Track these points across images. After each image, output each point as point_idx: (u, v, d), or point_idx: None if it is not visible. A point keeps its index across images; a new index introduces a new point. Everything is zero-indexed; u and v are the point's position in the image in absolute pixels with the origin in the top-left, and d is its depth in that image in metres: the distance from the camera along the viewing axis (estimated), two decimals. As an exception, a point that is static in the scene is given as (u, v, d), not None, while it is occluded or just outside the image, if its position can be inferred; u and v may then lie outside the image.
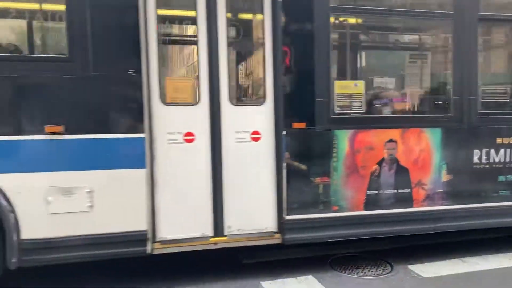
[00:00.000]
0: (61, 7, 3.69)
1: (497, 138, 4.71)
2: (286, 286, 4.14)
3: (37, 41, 4.06)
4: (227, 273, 4.41)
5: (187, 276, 4.33)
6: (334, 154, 4.34)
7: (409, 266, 4.61)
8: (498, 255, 4.93)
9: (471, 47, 4.58)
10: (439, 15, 4.62)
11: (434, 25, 5.00)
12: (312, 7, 4.20)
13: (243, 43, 4.43)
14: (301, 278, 4.30)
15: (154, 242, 3.99)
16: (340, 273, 4.45)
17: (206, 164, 4.10)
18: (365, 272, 4.49)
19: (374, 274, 4.46)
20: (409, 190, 4.53)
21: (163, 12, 3.91)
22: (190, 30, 4.25)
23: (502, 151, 4.73)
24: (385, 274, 4.45)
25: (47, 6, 3.90)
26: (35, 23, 4.01)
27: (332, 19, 4.30)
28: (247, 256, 4.75)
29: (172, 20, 4.32)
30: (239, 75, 4.47)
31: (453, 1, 4.57)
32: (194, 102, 4.07)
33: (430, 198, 4.58)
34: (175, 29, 4.35)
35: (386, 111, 4.63)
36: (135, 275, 4.40)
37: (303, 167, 4.27)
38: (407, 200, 4.53)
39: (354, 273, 4.45)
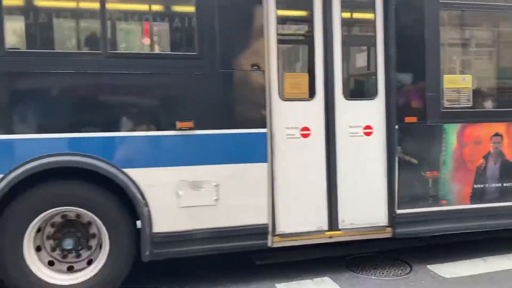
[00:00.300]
0: (191, 9, 3.80)
1: None
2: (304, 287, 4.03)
3: (169, 40, 4.16)
4: (240, 275, 4.24)
5: (200, 277, 4.22)
6: (443, 148, 4.37)
7: (428, 266, 4.44)
8: None
9: None
10: None
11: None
12: (423, 3, 4.25)
13: (355, 40, 4.48)
14: (317, 280, 4.15)
15: (274, 235, 4.06)
16: (357, 274, 4.28)
17: (321, 159, 4.17)
18: (383, 273, 4.32)
19: (392, 274, 4.30)
20: (514, 184, 4.54)
21: (281, 12, 3.99)
22: (305, 28, 4.30)
23: None
24: (404, 274, 4.29)
25: (178, 8, 4.00)
26: (167, 24, 4.11)
27: (441, 14, 4.33)
28: (260, 257, 4.55)
29: (289, 19, 4.39)
30: (351, 71, 4.52)
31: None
32: (310, 97, 4.14)
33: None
34: (292, 28, 4.42)
35: (492, 105, 4.65)
36: (152, 274, 4.30)
37: (414, 161, 4.31)
38: (512, 194, 4.54)
39: (371, 274, 4.28)
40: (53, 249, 3.75)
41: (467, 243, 4.96)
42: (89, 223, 3.80)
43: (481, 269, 4.40)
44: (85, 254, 3.82)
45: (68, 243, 3.73)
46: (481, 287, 4.05)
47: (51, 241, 3.75)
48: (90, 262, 3.80)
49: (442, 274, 4.28)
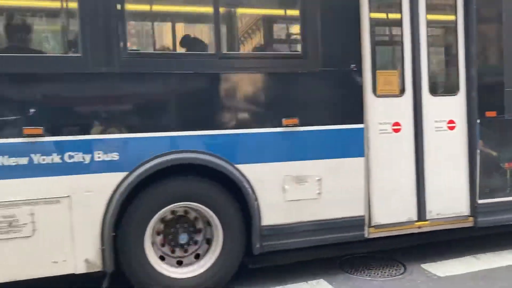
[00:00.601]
0: (296, 13, 3.96)
1: None
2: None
3: (275, 41, 4.31)
4: (235, 279, 4.01)
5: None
6: (518, 140, 4.60)
7: (423, 266, 4.41)
8: (509, 250, 4.78)
9: None
10: None
11: None
12: (501, 3, 4.47)
13: (439, 39, 4.68)
14: (312, 282, 4.08)
15: (369, 226, 4.23)
16: (352, 275, 4.22)
17: (410, 152, 4.35)
18: (377, 274, 4.26)
19: (387, 275, 4.25)
20: None
21: (374, 15, 4.17)
22: (395, 30, 4.49)
23: None
24: (399, 274, 4.25)
25: (284, 13, 4.16)
26: (274, 26, 4.26)
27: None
28: (252, 261, 4.27)
29: (380, 22, 4.56)
30: (435, 69, 4.72)
31: None
32: (400, 94, 4.33)
33: None
34: (383, 30, 4.60)
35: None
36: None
37: (494, 153, 4.53)
38: None
39: (366, 275, 4.23)
40: (163, 245, 3.87)
41: (456, 242, 4.97)
42: (196, 219, 3.93)
43: (474, 267, 4.40)
44: (191, 249, 3.94)
45: (183, 238, 3.86)
46: (477, 285, 4.05)
47: (161, 237, 3.86)
48: (197, 257, 3.93)
49: (436, 273, 4.26)
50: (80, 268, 3.51)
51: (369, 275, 4.22)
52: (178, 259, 3.90)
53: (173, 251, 3.89)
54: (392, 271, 4.34)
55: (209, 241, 3.93)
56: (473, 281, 4.11)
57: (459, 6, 4.44)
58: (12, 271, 3.38)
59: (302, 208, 3.98)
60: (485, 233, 4.99)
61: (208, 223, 3.91)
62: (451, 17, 4.48)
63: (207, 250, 3.91)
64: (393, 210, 4.30)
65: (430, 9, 4.37)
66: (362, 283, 4.07)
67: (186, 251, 3.93)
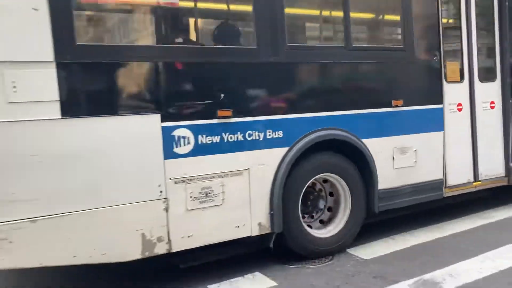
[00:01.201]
0: (397, 17, 4.83)
1: None
2: (237, 286, 3.94)
3: (384, 36, 5.09)
4: (168, 281, 4.09)
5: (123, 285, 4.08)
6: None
7: (348, 250, 4.59)
8: (422, 229, 5.17)
9: None
10: None
11: None
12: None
13: (483, 39, 5.76)
14: (249, 276, 4.10)
15: (445, 187, 5.24)
16: (286, 265, 4.29)
17: (468, 127, 5.44)
18: (309, 262, 4.36)
19: (318, 262, 4.36)
20: None
21: (444, 20, 5.16)
22: (455, 32, 5.51)
23: None
24: (329, 261, 4.39)
25: (390, 17, 4.97)
26: (383, 26, 5.04)
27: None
28: (183, 261, 4.27)
29: (448, 26, 5.51)
30: (480, 60, 5.82)
31: None
32: (460, 80, 5.38)
33: None
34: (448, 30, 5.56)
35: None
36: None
37: (522, 126, 5.79)
38: None
39: (299, 264, 4.31)
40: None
41: (372, 225, 5.19)
42: (320, 190, 4.62)
43: (394, 247, 4.68)
44: (316, 215, 4.64)
45: (322, 203, 4.55)
46: (401, 263, 4.26)
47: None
48: (321, 222, 4.63)
49: (362, 256, 4.47)
50: (254, 231, 4.07)
51: (301, 264, 4.31)
52: (307, 223, 4.57)
53: (303, 217, 4.54)
54: (322, 257, 4.44)
55: (330, 209, 4.65)
56: (396, 260, 4.35)
57: (495, 13, 5.60)
58: (206, 236, 3.85)
59: (404, 174, 4.88)
60: (395, 216, 5.43)
61: (330, 194, 4.63)
62: (490, 23, 5.63)
63: (329, 217, 4.62)
64: (458, 174, 5.36)
65: (478, 16, 5.48)
66: (296, 272, 4.17)
67: (312, 217, 4.63)
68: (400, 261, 4.33)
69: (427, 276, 3.93)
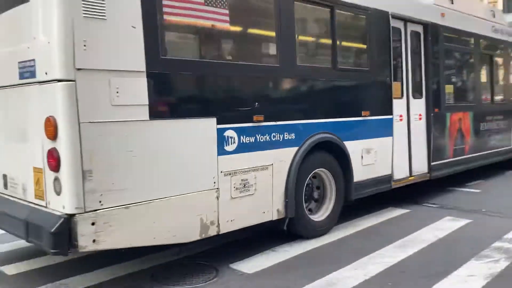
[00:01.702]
0: (365, 46, 6.07)
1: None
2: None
3: (355, 60, 6.22)
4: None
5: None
6: (444, 128, 7.62)
7: (231, 265, 4.52)
8: (297, 240, 5.26)
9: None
10: None
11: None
12: (442, 53, 7.41)
13: (415, 66, 7.25)
14: None
15: (392, 181, 6.59)
16: (167, 285, 4.10)
17: (406, 133, 6.90)
18: (192, 280, 4.19)
19: (202, 280, 4.20)
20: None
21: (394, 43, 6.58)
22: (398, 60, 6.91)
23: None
24: (213, 278, 4.25)
25: (358, 46, 6.14)
26: (356, 53, 6.19)
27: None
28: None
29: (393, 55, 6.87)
30: (412, 81, 7.30)
31: None
32: (401, 97, 6.82)
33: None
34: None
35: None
36: None
37: (438, 133, 7.44)
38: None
39: (182, 283, 4.14)
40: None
41: (251, 239, 5.31)
42: (311, 184, 5.63)
43: (276, 259, 4.70)
44: (307, 204, 5.64)
45: (316, 193, 5.55)
46: (285, 275, 4.29)
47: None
48: (309, 210, 5.64)
49: (246, 271, 4.40)
50: (274, 216, 4.94)
51: (185, 283, 4.15)
52: (301, 210, 5.55)
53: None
54: (206, 275, 4.31)
55: (316, 200, 5.68)
56: (279, 272, 4.39)
57: (422, 54, 7.20)
58: (242, 221, 4.63)
59: (369, 170, 6.12)
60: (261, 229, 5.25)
61: (317, 187, 5.66)
62: (419, 59, 7.19)
63: (316, 206, 5.64)
64: (400, 170, 6.77)
65: (412, 54, 7.00)
66: (180, 294, 3.99)
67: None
68: (283, 273, 4.35)
69: (307, 287, 4.04)
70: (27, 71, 3.71)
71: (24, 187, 3.96)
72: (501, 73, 9.69)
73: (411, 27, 6.98)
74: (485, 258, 4.67)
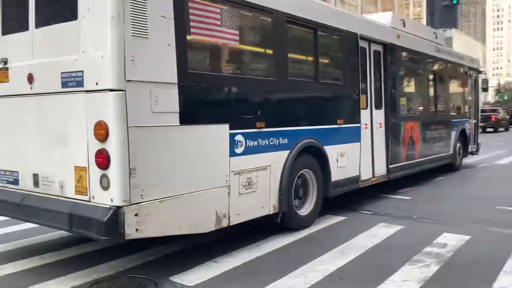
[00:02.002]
0: (339, 64, 6.93)
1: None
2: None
3: (333, 76, 7.02)
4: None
5: None
6: (402, 134, 8.69)
7: (171, 278, 4.44)
8: (242, 249, 5.30)
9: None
10: None
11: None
12: (395, 71, 8.47)
13: (377, 81, 8.24)
14: None
15: (360, 181, 7.49)
16: None
17: (369, 140, 7.84)
18: None
19: None
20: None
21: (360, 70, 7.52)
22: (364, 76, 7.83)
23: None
24: None
25: (335, 62, 6.97)
26: (330, 69, 6.99)
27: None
28: None
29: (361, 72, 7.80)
30: (375, 97, 8.26)
31: None
32: (366, 108, 7.75)
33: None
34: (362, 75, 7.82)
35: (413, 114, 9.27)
36: None
37: (394, 140, 8.47)
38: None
39: None
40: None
41: (193, 250, 5.36)
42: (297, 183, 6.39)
43: (217, 270, 4.65)
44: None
45: (301, 192, 6.29)
46: (227, 286, 4.28)
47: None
48: (296, 206, 6.39)
49: (186, 283, 4.32)
50: (270, 210, 5.63)
51: None
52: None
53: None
54: None
55: (299, 198, 6.43)
56: (221, 284, 4.34)
57: (382, 72, 8.22)
58: (247, 215, 5.28)
59: (342, 171, 6.98)
60: (222, 237, 5.66)
61: (300, 187, 6.42)
62: (380, 75, 8.21)
63: (300, 202, 6.38)
64: (365, 172, 7.70)
65: (374, 70, 8.00)
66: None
67: (289, 202, 6.37)
68: (225, 284, 4.35)
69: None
70: (72, 81, 4.18)
71: (62, 185, 4.38)
72: (442, 87, 11.01)
73: (373, 47, 7.99)
74: (418, 263, 4.88)
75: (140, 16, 4.04)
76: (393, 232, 6.08)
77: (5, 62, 4.87)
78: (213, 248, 5.38)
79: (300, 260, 4.95)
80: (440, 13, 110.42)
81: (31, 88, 4.59)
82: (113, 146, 3.93)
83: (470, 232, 5.97)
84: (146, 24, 4.09)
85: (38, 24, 4.53)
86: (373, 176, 7.97)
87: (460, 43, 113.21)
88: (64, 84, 4.27)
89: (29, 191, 4.72)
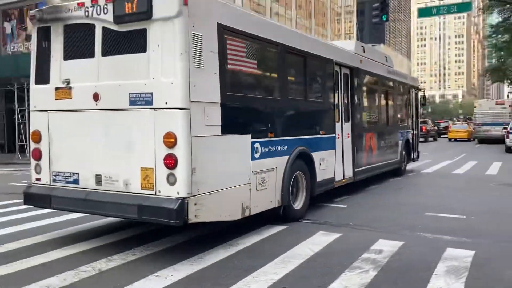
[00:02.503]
0: (319, 85, 8.43)
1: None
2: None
3: (315, 94, 8.45)
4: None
5: None
6: (362, 143, 10.34)
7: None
8: (184, 262, 5.32)
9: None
10: None
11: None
12: (353, 95, 10.15)
13: (345, 98, 9.79)
14: None
15: (335, 182, 8.99)
16: None
17: (341, 148, 9.40)
18: None
19: None
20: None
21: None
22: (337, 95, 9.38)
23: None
24: None
25: (318, 84, 8.42)
26: (314, 89, 8.43)
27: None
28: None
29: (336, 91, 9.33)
30: (344, 113, 9.81)
31: None
32: (339, 121, 9.30)
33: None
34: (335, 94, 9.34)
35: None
36: None
37: (358, 148, 10.10)
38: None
39: None
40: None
41: (136, 261, 5.39)
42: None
43: (159, 284, 4.62)
44: (284, 197, 7.78)
45: (293, 190, 7.66)
46: None
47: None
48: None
49: None
50: (276, 204, 6.98)
51: None
52: (283, 202, 7.67)
53: (280, 199, 7.62)
54: None
55: (292, 194, 7.82)
56: None
57: (349, 91, 9.84)
58: (260, 207, 6.59)
59: (323, 173, 8.47)
60: (163, 251, 5.75)
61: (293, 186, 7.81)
62: (347, 94, 9.82)
63: (292, 198, 7.77)
64: (338, 174, 9.25)
65: (343, 91, 9.59)
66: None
67: (283, 198, 7.75)
68: None
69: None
70: (141, 100, 5.31)
71: (127, 182, 5.47)
72: (391, 103, 12.89)
73: (343, 70, 9.60)
74: (357, 269, 5.07)
75: (198, 52, 5.28)
76: (332, 240, 6.31)
77: (68, 82, 5.89)
78: (157, 260, 5.44)
79: (243, 271, 5.02)
80: (370, 29, 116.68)
81: (96, 104, 5.65)
82: (180, 151, 5.12)
83: (403, 238, 6.35)
84: (202, 58, 5.33)
85: (105, 53, 5.62)
86: (343, 178, 9.53)
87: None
88: (132, 103, 5.39)
89: (91, 189, 5.74)
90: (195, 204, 5.22)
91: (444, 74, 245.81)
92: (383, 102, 12.30)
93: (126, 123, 5.50)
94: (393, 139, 12.79)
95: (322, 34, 56.96)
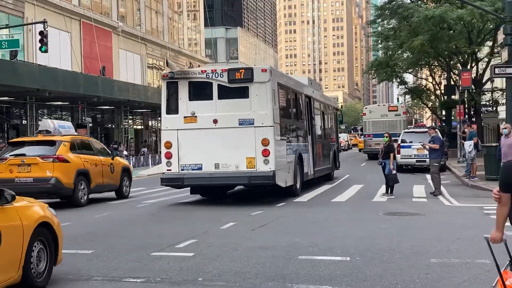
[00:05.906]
0: (301, 109, 20.14)
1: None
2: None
3: (300, 116, 19.99)
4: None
5: None
6: (315, 150, 22.16)
7: None
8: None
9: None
10: None
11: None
12: (322, 114, 22.06)
13: (308, 117, 21.28)
14: None
15: (309, 175, 20.57)
16: None
17: (311, 152, 21.05)
18: None
19: None
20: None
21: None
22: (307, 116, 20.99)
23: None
24: None
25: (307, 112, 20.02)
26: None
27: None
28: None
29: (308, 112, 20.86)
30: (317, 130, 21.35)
31: None
32: (309, 134, 21.01)
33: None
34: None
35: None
36: None
37: (315, 153, 21.89)
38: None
39: None
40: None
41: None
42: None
43: None
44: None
45: (295, 176, 19.12)
46: None
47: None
48: None
49: None
50: (290, 183, 18.42)
51: None
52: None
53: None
54: None
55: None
56: None
57: (309, 113, 21.65)
58: (286, 183, 17.87)
59: (305, 168, 20.02)
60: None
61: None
62: (309, 114, 21.63)
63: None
64: (310, 170, 20.93)
65: (308, 113, 21.37)
66: None
67: (286, 183, 19.19)
68: None
69: None
70: (246, 122, 16.51)
71: (237, 166, 16.51)
72: (325, 121, 25.17)
73: (306, 99, 21.37)
74: None
75: (274, 97, 16.50)
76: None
77: (194, 113, 16.57)
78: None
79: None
80: (222, 6, 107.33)
81: (215, 125, 16.43)
82: (271, 148, 16.60)
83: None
84: (274, 100, 16.55)
85: (220, 98, 16.59)
86: (310, 174, 21.11)
87: (248, 47, 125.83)
88: (241, 124, 16.63)
89: (212, 171, 16.41)
90: (276, 175, 16.27)
91: (320, 71, 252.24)
92: (321, 120, 24.52)
93: (236, 134, 16.45)
94: (328, 149, 25.09)
95: (157, 11, 61.53)
